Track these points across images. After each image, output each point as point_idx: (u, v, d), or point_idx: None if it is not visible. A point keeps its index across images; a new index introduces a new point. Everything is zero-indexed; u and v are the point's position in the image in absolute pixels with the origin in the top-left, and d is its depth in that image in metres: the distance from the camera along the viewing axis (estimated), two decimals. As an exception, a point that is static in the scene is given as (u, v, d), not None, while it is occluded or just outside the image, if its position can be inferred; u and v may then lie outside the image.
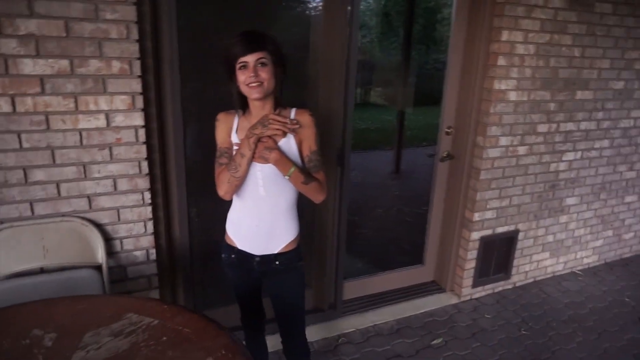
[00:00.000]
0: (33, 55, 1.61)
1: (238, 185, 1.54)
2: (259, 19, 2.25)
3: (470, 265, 2.98)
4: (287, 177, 1.51)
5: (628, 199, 3.55)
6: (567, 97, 2.90)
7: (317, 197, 1.59)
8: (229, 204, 1.66)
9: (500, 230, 3.00)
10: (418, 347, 2.55)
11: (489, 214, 2.91)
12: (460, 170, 2.86)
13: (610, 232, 3.59)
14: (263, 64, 1.42)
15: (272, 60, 1.45)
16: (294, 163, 1.51)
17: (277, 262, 1.64)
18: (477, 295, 3.10)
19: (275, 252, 1.63)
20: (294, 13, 2.47)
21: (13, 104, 1.63)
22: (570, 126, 2.99)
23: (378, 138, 7.93)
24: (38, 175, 1.73)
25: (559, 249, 3.36)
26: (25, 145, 1.68)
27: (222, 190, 1.55)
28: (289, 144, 1.52)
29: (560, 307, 3.03)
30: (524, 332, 2.73)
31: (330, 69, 2.31)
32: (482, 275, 3.05)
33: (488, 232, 2.96)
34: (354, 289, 2.87)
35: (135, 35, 1.73)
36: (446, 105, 2.80)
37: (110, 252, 1.91)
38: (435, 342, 2.60)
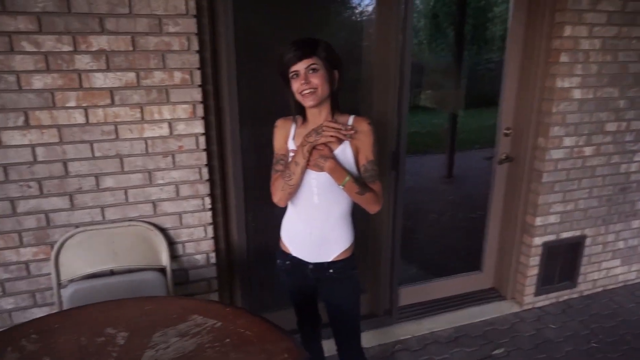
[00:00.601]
0: (104, 69, 1.71)
1: (292, 193, 1.54)
2: (312, 25, 2.28)
3: (533, 272, 2.84)
4: (341, 187, 1.49)
5: None
6: (639, 93, 2.71)
7: (372, 207, 1.56)
8: (284, 210, 1.68)
9: (565, 235, 2.84)
10: (478, 356, 2.46)
11: (552, 219, 2.76)
12: (520, 173, 2.74)
13: (690, 238, 3.30)
14: (314, 70, 1.42)
15: (325, 66, 1.44)
16: (349, 172, 1.49)
17: (330, 270, 1.62)
18: (540, 304, 2.94)
19: (329, 260, 1.61)
20: (345, 18, 2.48)
21: (86, 115, 1.74)
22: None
23: (428, 142, 7.75)
24: (108, 182, 1.83)
25: (631, 256, 3.13)
26: (97, 154, 1.79)
27: (277, 197, 1.57)
28: (345, 152, 1.51)
29: (635, 318, 2.82)
30: (594, 345, 2.56)
31: (384, 73, 2.29)
32: (546, 283, 2.89)
33: (551, 237, 2.81)
34: (409, 295, 2.82)
35: (195, 46, 1.80)
36: (504, 106, 2.70)
37: (173, 255, 1.99)
38: (496, 352, 2.49)
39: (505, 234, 2.91)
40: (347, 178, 1.48)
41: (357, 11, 2.46)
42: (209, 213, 2.01)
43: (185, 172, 1.92)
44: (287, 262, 1.68)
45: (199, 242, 2.02)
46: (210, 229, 2.03)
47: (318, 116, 1.52)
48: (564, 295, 3.00)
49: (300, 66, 1.41)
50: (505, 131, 2.72)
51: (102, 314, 1.39)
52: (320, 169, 1.47)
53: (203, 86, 1.88)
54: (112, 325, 1.33)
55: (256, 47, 2.14)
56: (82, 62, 1.69)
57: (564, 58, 2.46)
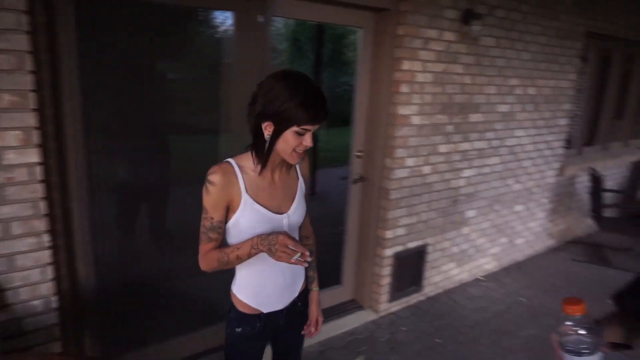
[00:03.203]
0: None
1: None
2: (170, 43, 2.20)
3: (386, 280, 3.11)
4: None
5: (517, 208, 3.97)
6: (462, 119, 3.19)
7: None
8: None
9: (411, 245, 3.19)
10: (341, 367, 2.60)
11: (400, 231, 3.08)
12: (371, 191, 3.00)
13: (504, 239, 3.97)
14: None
15: None
16: (308, 280, 1.59)
17: (299, 304, 1.55)
18: (393, 310, 3.24)
19: (297, 293, 1.53)
20: (205, 37, 2.46)
21: None
22: (466, 146, 3.28)
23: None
24: None
25: (463, 259, 3.64)
26: None
27: (208, 269, 1.36)
28: (302, 191, 1.46)
29: (468, 313, 3.28)
30: (437, 341, 2.91)
31: (245, 92, 2.31)
32: (397, 289, 3.20)
33: (400, 248, 3.12)
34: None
35: (29, 66, 1.60)
36: (356, 130, 2.94)
37: (3, 305, 1.71)
38: (357, 360, 2.67)
39: (362, 247, 3.15)
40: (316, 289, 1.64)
41: (217, 30, 2.46)
42: (48, 252, 1.78)
43: (18, 207, 1.68)
44: (258, 325, 1.45)
45: (35, 286, 1.77)
46: (50, 270, 1.79)
47: (278, 163, 1.36)
48: (413, 299, 3.35)
49: (314, 127, 1.25)
50: (358, 153, 2.96)
51: None
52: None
53: (41, 110, 1.68)
54: None
55: (106, 65, 1.99)
56: None
57: (403, 88, 2.79)
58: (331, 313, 3.05)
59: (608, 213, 4.74)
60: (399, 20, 2.70)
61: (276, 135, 1.25)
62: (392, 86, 2.81)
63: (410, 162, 2.97)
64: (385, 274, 3.09)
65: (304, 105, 1.19)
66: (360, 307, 3.17)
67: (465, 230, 3.56)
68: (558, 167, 4.24)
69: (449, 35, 2.90)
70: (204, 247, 1.35)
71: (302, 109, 1.19)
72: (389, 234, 3.01)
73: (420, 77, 2.84)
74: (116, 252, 2.19)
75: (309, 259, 1.22)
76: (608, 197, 4.85)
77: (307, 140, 1.25)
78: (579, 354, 0.89)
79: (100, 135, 2.01)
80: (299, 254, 1.20)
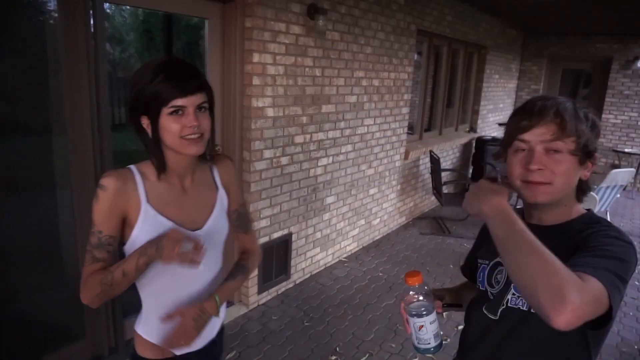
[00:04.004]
0: None
1: (116, 295, 1.12)
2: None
3: (254, 273, 3.12)
4: (218, 312, 1.18)
5: (371, 191, 4.31)
6: (315, 110, 3.34)
7: (254, 270, 1.28)
8: None
9: (276, 235, 3.24)
10: (212, 366, 2.54)
11: (263, 222, 3.11)
12: (232, 184, 2.97)
13: (362, 221, 4.29)
14: (204, 109, 1.09)
15: (210, 105, 1.13)
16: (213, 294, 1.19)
17: (216, 343, 1.33)
18: (263, 301, 3.27)
19: (215, 332, 1.30)
20: (30, 19, 2.16)
21: None
22: (320, 136, 3.44)
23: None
24: None
25: (326, 243, 3.83)
26: None
27: (88, 299, 1.10)
28: (222, 203, 1.23)
29: (333, 293, 3.47)
30: (306, 324, 3.02)
31: (76, 86, 2.09)
32: (266, 280, 3.23)
33: (265, 239, 3.15)
34: (137, 325, 2.66)
35: None
36: (211, 124, 2.87)
37: None
38: (229, 356, 2.63)
39: (227, 242, 3.10)
40: (217, 297, 1.17)
41: (43, 15, 2.18)
42: None
43: None
44: None
45: None
46: None
47: (184, 165, 1.15)
48: (282, 287, 3.42)
49: (188, 102, 1.05)
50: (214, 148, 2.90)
51: None
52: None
53: None
54: None
55: None
56: None
57: (255, 81, 2.80)
58: (199, 314, 2.95)
59: (446, 189, 5.43)
60: (245, 12, 2.70)
61: (155, 125, 1.07)
62: (244, 79, 2.80)
63: (268, 154, 3.00)
64: (252, 267, 3.10)
65: (163, 78, 1.02)
66: (230, 303, 3.13)
67: (326, 216, 3.74)
68: (403, 152, 4.70)
69: (296, 29, 3.00)
70: (87, 269, 1.10)
71: (161, 84, 1.02)
72: (253, 226, 3.01)
73: (271, 70, 2.89)
74: None
75: (200, 259, 1.02)
76: (445, 176, 5.56)
77: (190, 120, 1.05)
78: (420, 315, 1.04)
79: None
80: (189, 246, 1.01)
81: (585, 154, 0.95)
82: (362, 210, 4.23)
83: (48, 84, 2.15)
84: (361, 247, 4.36)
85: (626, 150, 7.38)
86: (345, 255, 4.13)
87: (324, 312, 3.18)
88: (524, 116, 0.96)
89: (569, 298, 0.71)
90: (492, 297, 1.07)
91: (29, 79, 2.20)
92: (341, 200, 3.88)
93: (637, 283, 3.92)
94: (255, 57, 2.76)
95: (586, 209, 1.03)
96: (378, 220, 4.55)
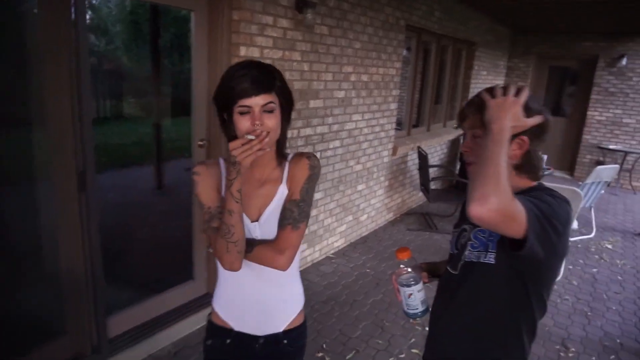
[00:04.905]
0: None
1: (242, 251, 1.20)
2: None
3: (240, 269, 3.09)
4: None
5: (359, 187, 4.30)
6: (303, 105, 3.31)
7: (272, 263, 1.25)
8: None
9: (262, 231, 3.21)
10: (197, 364, 2.51)
11: (250, 219, 3.07)
12: (218, 180, 2.92)
13: (350, 217, 4.27)
14: (271, 111, 1.15)
15: (280, 104, 1.18)
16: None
17: (285, 342, 1.36)
18: (250, 297, 3.24)
19: (282, 329, 1.35)
20: (8, 8, 2.10)
21: None
22: (308, 131, 3.41)
23: (137, 153, 7.40)
24: None
25: (313, 240, 3.81)
26: None
27: (227, 263, 1.20)
28: (281, 197, 1.26)
29: (320, 289, 3.45)
30: (293, 321, 3.00)
31: (54, 77, 2.03)
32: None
33: (252, 235, 3.12)
34: (122, 322, 2.61)
35: None
36: (196, 119, 2.82)
37: None
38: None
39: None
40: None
41: (20, 2, 2.11)
42: None
43: None
44: (228, 341, 1.35)
45: None
46: None
47: (258, 159, 1.19)
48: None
49: (255, 102, 1.13)
50: (200, 142, 2.85)
51: None
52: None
53: None
54: None
55: None
56: None
57: (243, 75, 2.75)
58: (185, 311, 2.92)
59: (433, 185, 5.45)
60: (233, 4, 2.65)
61: (230, 121, 1.18)
62: (231, 72, 2.75)
63: (255, 148, 2.96)
64: (239, 263, 3.06)
65: (233, 79, 1.13)
66: (215, 300, 3.09)
67: (313, 212, 3.72)
68: (391, 148, 4.70)
69: (284, 22, 2.96)
70: (211, 241, 1.23)
71: (233, 84, 1.13)
72: (239, 222, 2.98)
73: (259, 64, 2.84)
74: None
75: (266, 139, 1.12)
76: (433, 172, 5.57)
77: (254, 119, 1.13)
78: (409, 285, 1.24)
79: None
80: (252, 137, 1.11)
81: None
82: (350, 206, 4.22)
83: (26, 75, 2.08)
84: (348, 243, 4.35)
85: (610, 147, 7.48)
86: (332, 252, 4.12)
87: (310, 308, 3.17)
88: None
89: (490, 200, 0.90)
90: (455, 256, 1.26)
91: (7, 70, 2.13)
92: (329, 196, 3.86)
93: (619, 278, 3.98)
94: (243, 51, 2.71)
95: (537, 182, 1.18)
96: (366, 216, 4.55)
